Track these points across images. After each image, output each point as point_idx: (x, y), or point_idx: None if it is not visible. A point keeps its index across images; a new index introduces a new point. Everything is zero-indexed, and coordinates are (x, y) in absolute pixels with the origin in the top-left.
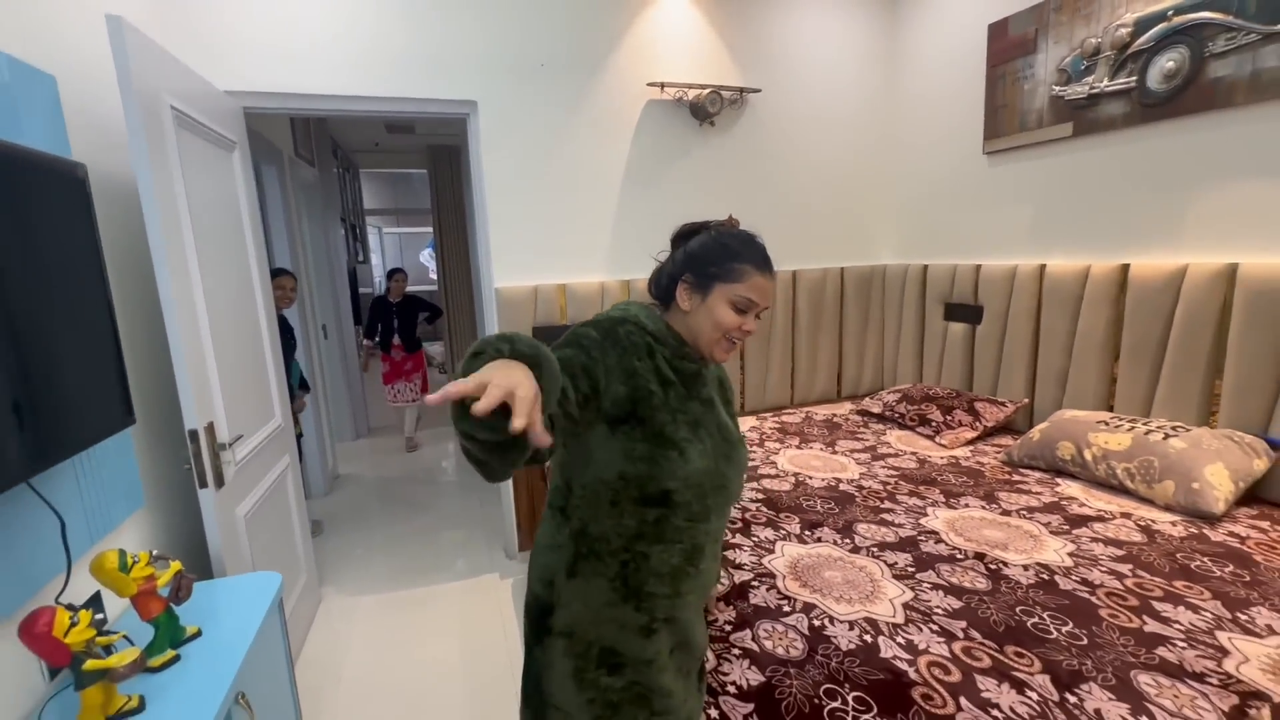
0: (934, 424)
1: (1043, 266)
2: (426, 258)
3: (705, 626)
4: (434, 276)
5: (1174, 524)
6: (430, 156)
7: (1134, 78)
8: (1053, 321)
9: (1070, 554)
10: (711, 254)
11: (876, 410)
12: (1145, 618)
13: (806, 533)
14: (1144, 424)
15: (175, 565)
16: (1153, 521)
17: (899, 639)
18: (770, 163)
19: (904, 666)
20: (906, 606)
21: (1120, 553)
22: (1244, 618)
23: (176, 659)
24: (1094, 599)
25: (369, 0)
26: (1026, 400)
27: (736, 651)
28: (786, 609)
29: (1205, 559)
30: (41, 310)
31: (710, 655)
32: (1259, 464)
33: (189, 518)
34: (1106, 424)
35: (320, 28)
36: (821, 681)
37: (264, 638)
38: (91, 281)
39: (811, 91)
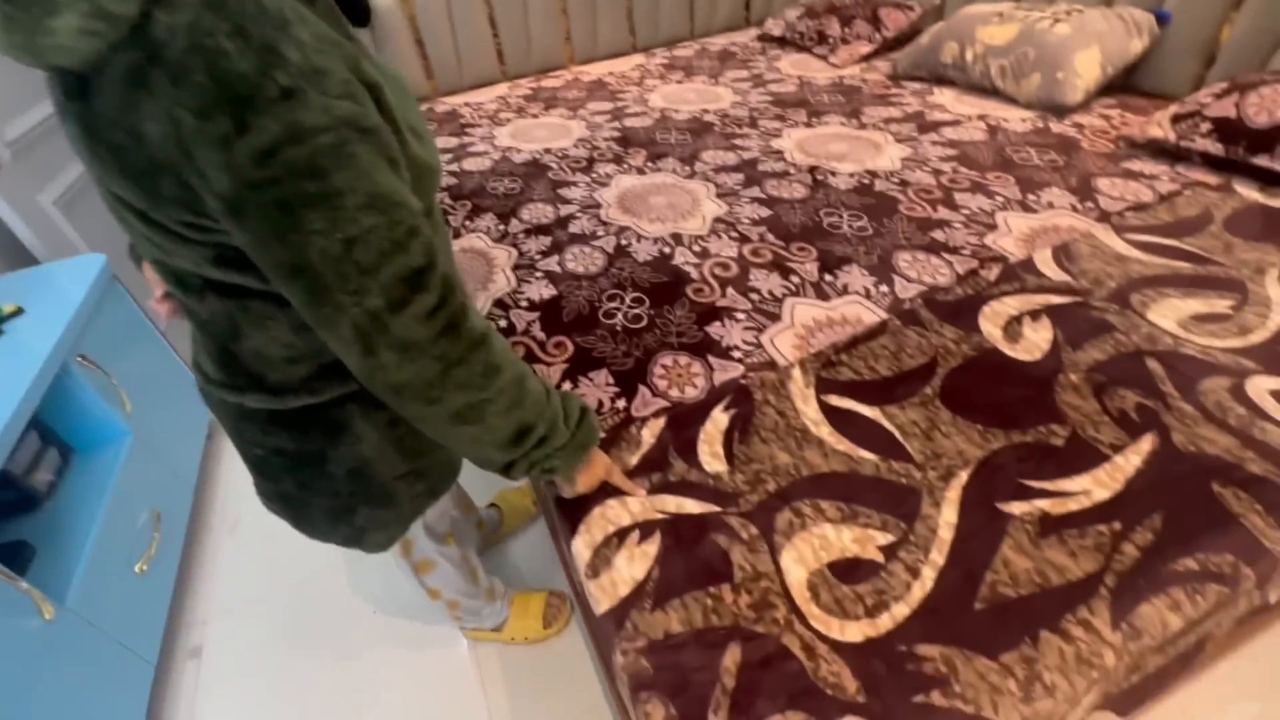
0: (831, 41)
1: None
2: None
3: None
4: None
5: (1024, 120)
6: None
7: None
8: None
9: (904, 159)
10: None
11: (778, 33)
12: (940, 208)
13: (649, 164)
14: (1040, 11)
15: None
16: (1004, 120)
17: (695, 248)
18: None
19: (689, 270)
20: (717, 220)
21: (953, 153)
22: (1032, 198)
23: None
24: (900, 196)
25: None
26: (936, 1)
27: (539, 274)
28: (600, 234)
29: (1032, 150)
30: None
31: (513, 279)
32: (1136, 45)
33: None
34: (1000, 15)
35: None
36: (608, 289)
37: (105, 312)
38: None
39: None
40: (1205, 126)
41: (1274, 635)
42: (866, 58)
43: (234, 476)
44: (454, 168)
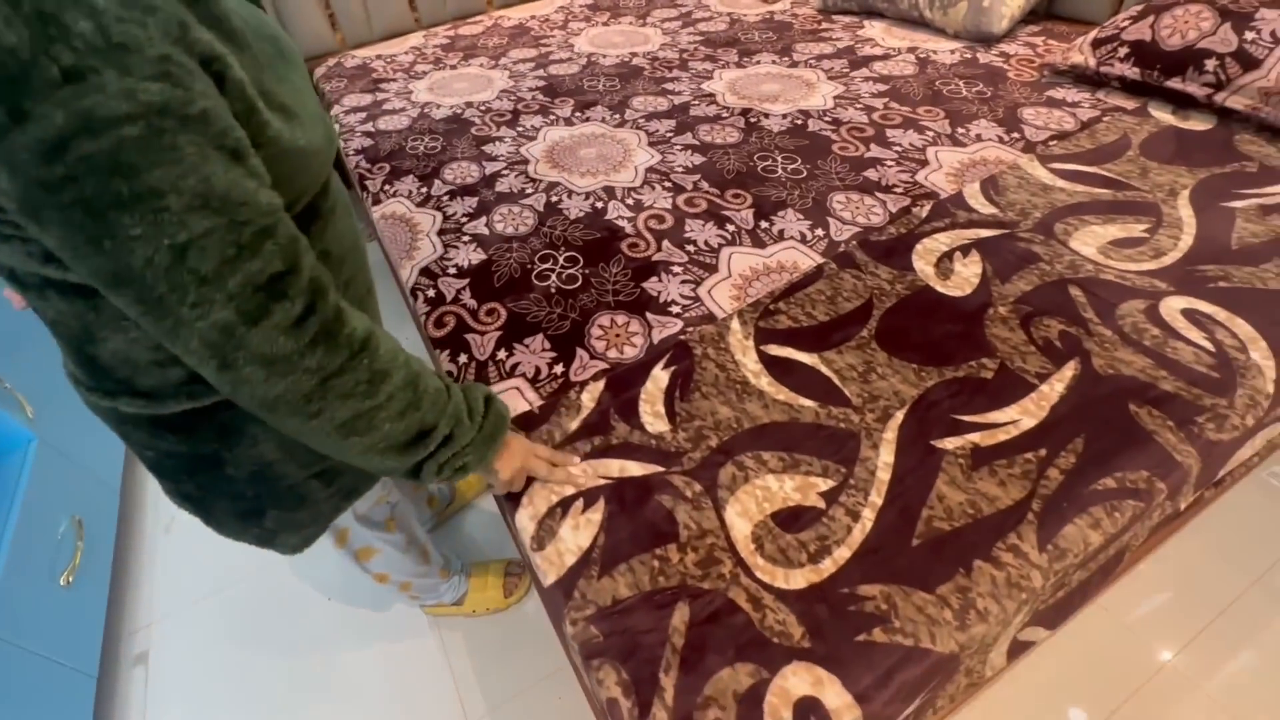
0: None
1: None
2: None
3: None
4: None
5: (952, 52)
6: None
7: None
8: None
9: (836, 97)
10: None
11: None
12: (872, 145)
13: (577, 115)
14: None
15: None
16: (933, 53)
17: (629, 201)
18: None
19: (623, 224)
20: (649, 170)
21: (885, 88)
22: (961, 131)
23: None
24: (833, 136)
25: None
26: None
27: (466, 239)
28: (529, 191)
29: (961, 82)
30: None
31: (439, 246)
32: None
33: None
34: None
35: None
36: (539, 249)
37: None
38: None
39: None
40: (1123, 51)
41: (1182, 536)
42: None
43: None
44: (368, 128)
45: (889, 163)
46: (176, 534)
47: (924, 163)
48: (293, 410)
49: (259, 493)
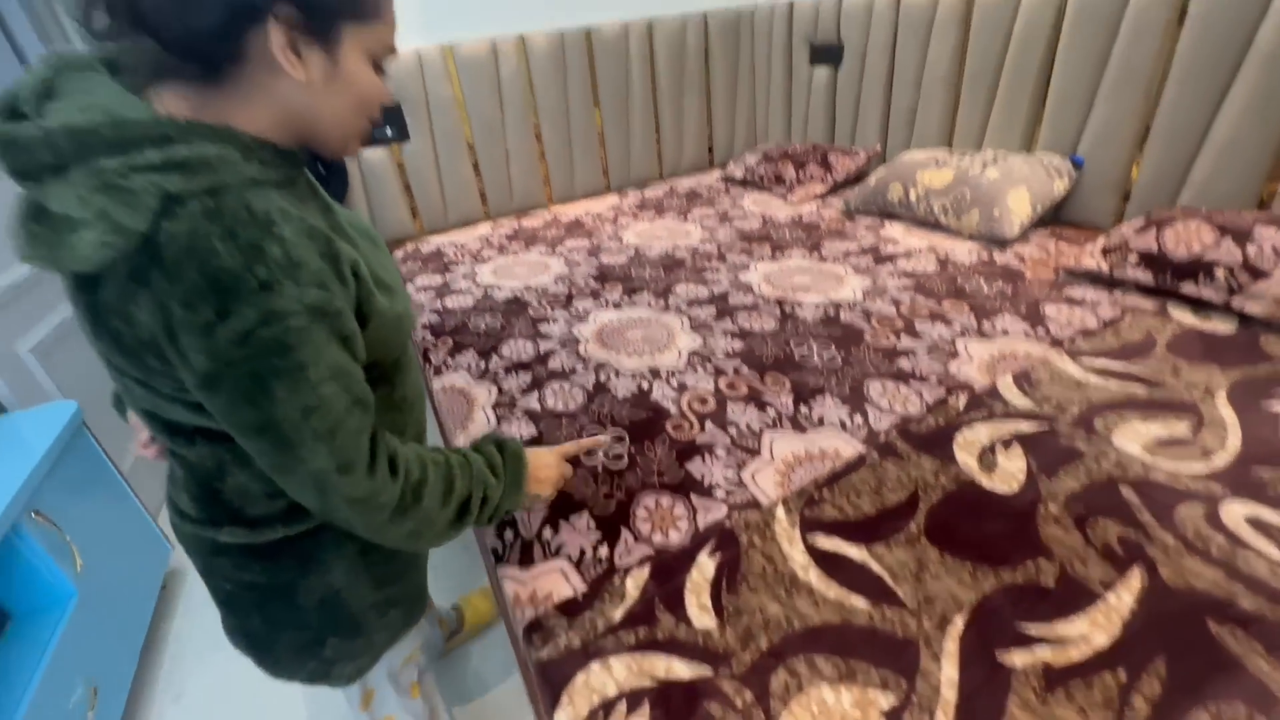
0: (788, 182)
1: None
2: None
3: None
4: None
5: (970, 252)
6: None
7: None
8: (906, 54)
9: (865, 290)
10: None
11: (739, 175)
12: (903, 336)
13: (625, 299)
14: (970, 158)
15: None
16: (951, 252)
17: (673, 382)
18: None
19: (667, 405)
20: (692, 353)
21: (909, 283)
22: (987, 325)
23: None
24: (865, 326)
25: None
26: (878, 148)
27: (518, 413)
28: (579, 369)
29: (981, 279)
30: None
31: (493, 418)
32: (1059, 185)
33: None
34: (936, 162)
35: None
36: (586, 425)
37: (69, 463)
38: None
39: None
40: (1133, 258)
41: None
42: (821, 196)
43: (184, 636)
44: (437, 305)
45: (920, 353)
46: (185, 705)
47: (954, 354)
48: (371, 530)
49: (323, 622)
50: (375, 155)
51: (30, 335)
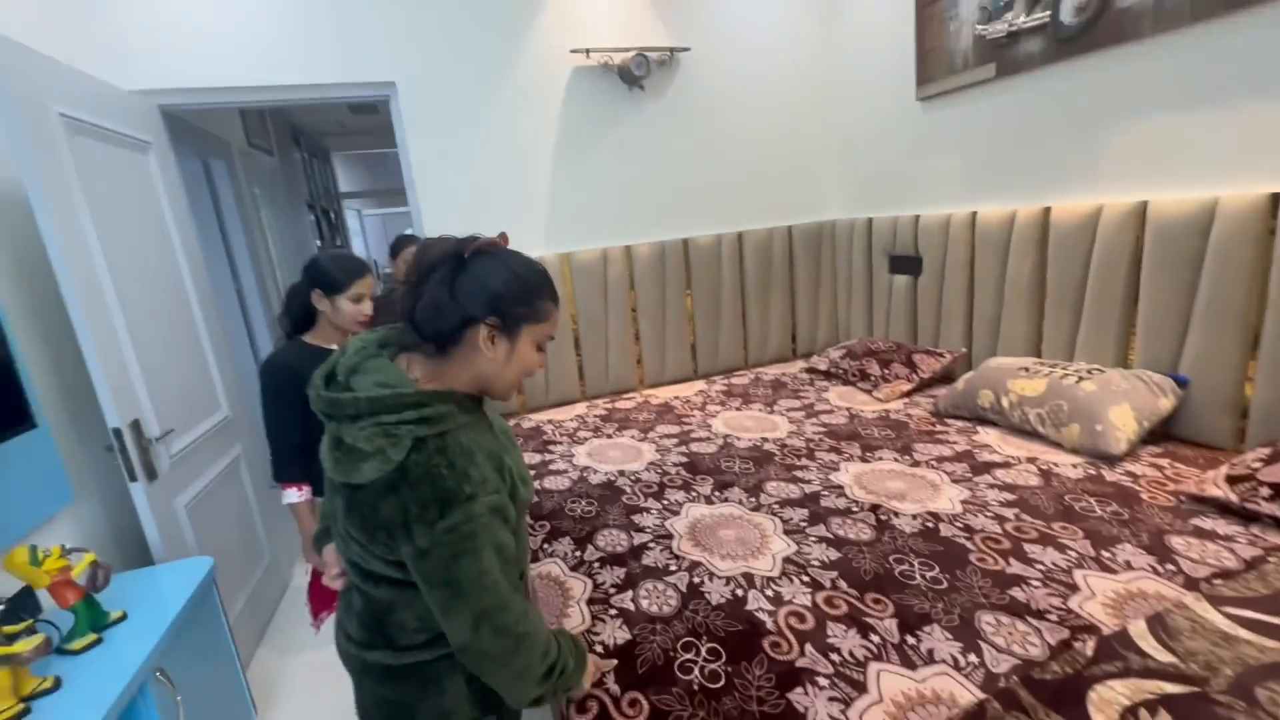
0: (873, 378)
1: (974, 214)
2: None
3: None
4: None
5: (1075, 466)
6: None
7: (1048, 11)
8: (985, 269)
9: (963, 501)
10: (516, 293)
11: (823, 368)
12: (1011, 560)
13: (716, 494)
14: (1062, 368)
15: (89, 556)
16: (1055, 465)
17: (768, 592)
18: (706, 123)
19: (764, 618)
20: (786, 560)
21: (1012, 498)
22: (1107, 555)
23: (98, 642)
24: (969, 544)
25: None
26: (964, 350)
27: (613, 612)
28: (673, 568)
29: (1092, 500)
30: None
31: (588, 616)
32: (1165, 403)
33: (129, 509)
34: (1026, 370)
35: (229, 18)
36: (683, 635)
37: (195, 618)
38: None
39: (743, 46)
40: (1265, 491)
41: None
42: (907, 394)
43: None
44: (536, 485)
45: (1034, 582)
46: None
47: (1073, 587)
48: (495, 660)
49: None
50: None
51: (186, 493)
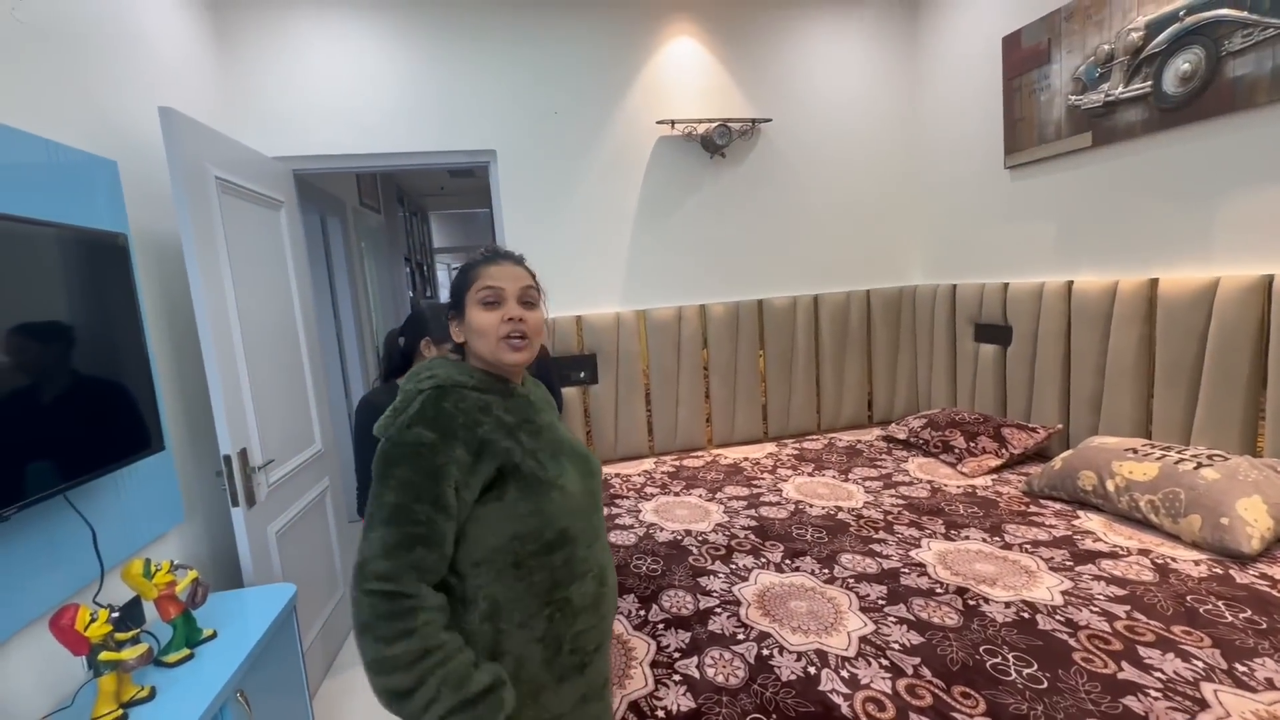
0: (957, 451)
1: (1070, 283)
2: None
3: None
4: None
5: (1198, 563)
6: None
7: (1149, 83)
8: (1083, 341)
9: (1064, 592)
10: (456, 283)
11: (902, 436)
12: (1124, 663)
13: (786, 561)
14: (1177, 452)
15: (192, 574)
16: (1173, 560)
17: (844, 672)
18: (785, 189)
19: (838, 700)
20: (863, 640)
21: (1122, 592)
22: (1242, 669)
23: (190, 657)
24: (1072, 641)
25: (396, 68)
26: (1060, 426)
27: (677, 678)
28: (740, 637)
29: (1220, 603)
30: (81, 354)
31: (650, 680)
32: None
33: (227, 532)
34: (1135, 452)
35: (358, 92)
36: (750, 710)
37: (274, 643)
38: (129, 329)
39: (824, 116)
40: None
41: None
42: (995, 470)
43: None
44: None
45: (1153, 692)
46: None
47: (1203, 703)
48: (358, 628)
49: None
50: (569, 393)
51: (278, 521)
